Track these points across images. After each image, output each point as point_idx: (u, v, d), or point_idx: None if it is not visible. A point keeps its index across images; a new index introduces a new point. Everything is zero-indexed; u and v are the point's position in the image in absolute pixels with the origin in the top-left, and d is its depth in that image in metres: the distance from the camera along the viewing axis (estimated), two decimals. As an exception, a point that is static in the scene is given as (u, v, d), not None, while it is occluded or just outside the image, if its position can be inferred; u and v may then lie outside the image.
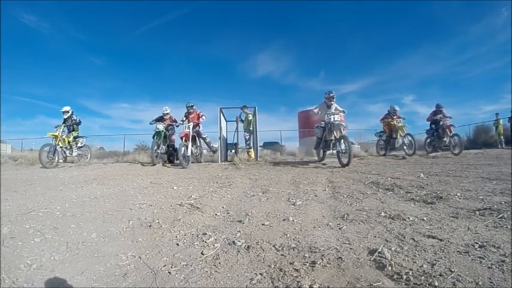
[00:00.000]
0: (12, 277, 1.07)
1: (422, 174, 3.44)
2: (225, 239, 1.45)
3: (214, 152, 7.96)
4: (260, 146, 10.42)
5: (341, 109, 6.20)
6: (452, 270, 0.98)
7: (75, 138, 7.34)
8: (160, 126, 6.81)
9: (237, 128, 8.95)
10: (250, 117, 8.60)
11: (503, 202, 1.84)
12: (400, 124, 7.49)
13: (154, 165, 6.43)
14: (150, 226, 1.69)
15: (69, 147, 7.12)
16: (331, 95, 6.10)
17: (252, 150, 8.31)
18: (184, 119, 7.19)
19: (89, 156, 7.78)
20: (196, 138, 7.27)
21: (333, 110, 6.07)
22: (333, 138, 5.88)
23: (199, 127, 7.43)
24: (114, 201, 2.37)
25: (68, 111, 7.28)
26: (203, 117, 7.48)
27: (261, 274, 1.07)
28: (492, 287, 0.89)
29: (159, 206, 2.19)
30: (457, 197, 2.13)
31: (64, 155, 7.01)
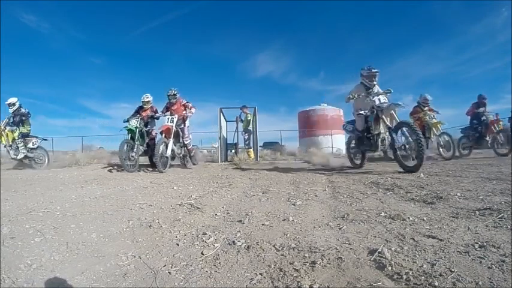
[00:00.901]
0: (12, 277, 1.07)
1: (422, 174, 3.43)
2: (225, 239, 1.45)
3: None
4: (260, 146, 10.45)
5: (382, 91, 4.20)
6: (452, 270, 0.98)
7: (24, 136, 5.90)
8: (134, 122, 5.21)
9: (237, 128, 8.98)
10: (250, 117, 8.62)
11: (503, 202, 1.84)
12: (434, 120, 5.99)
13: (132, 172, 4.91)
14: (150, 226, 1.69)
15: (14, 146, 5.66)
16: (373, 71, 4.21)
17: (251, 150, 8.31)
18: (165, 111, 5.66)
19: (45, 161, 6.20)
20: (180, 135, 5.66)
21: (375, 91, 4.20)
22: (382, 130, 4.02)
23: (184, 124, 5.72)
24: (114, 201, 2.37)
25: (14, 104, 5.86)
26: (192, 109, 5.72)
27: (261, 274, 1.07)
28: (492, 287, 0.89)
29: (159, 206, 2.19)
30: (457, 197, 2.13)
31: (9, 156, 5.65)
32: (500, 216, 1.56)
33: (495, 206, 1.75)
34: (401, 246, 1.23)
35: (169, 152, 5.19)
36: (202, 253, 1.29)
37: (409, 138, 3.60)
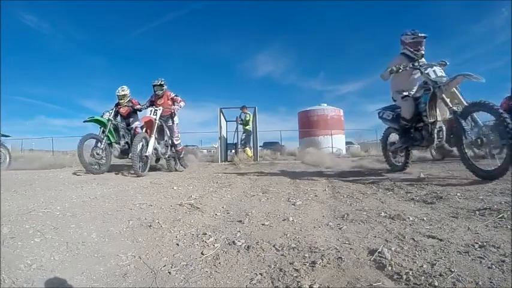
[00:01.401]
0: (12, 277, 1.07)
1: (422, 174, 3.43)
2: (225, 239, 1.45)
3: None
4: (260, 146, 10.48)
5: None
6: (452, 270, 0.98)
7: None
8: (107, 115, 4.48)
9: (237, 128, 9.02)
10: (248, 117, 8.69)
11: (503, 202, 1.84)
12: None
13: (99, 174, 4.17)
14: (150, 226, 1.69)
15: None
16: (420, 35, 3.20)
17: (247, 149, 8.36)
18: (148, 105, 4.91)
19: (6, 161, 5.63)
20: (166, 132, 4.89)
21: (424, 62, 3.11)
22: (439, 117, 2.90)
23: (172, 120, 5.04)
24: (114, 201, 2.37)
25: None
26: (181, 102, 4.99)
27: (261, 274, 1.07)
28: (492, 287, 0.89)
29: (159, 206, 2.19)
30: (457, 197, 2.13)
31: None
32: (500, 216, 1.56)
33: (495, 206, 1.75)
34: (401, 246, 1.23)
35: (150, 151, 4.30)
36: (202, 253, 1.29)
37: (484, 128, 2.48)
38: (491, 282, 0.91)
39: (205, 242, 1.43)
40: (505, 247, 1.15)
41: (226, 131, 9.32)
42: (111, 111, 4.57)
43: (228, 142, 9.28)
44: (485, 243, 1.19)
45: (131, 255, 1.29)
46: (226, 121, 9.29)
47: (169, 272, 1.12)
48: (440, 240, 1.28)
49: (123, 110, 4.90)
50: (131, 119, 5.00)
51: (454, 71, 2.78)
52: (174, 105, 5.00)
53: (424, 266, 1.04)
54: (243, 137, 8.78)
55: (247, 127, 8.71)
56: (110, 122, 4.45)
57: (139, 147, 4.15)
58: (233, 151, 9.00)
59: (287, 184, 3.29)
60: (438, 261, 1.06)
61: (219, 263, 1.19)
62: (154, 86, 4.91)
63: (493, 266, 1.01)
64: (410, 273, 0.98)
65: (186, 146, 13.97)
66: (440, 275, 0.96)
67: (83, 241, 1.44)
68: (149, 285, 1.04)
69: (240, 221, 1.76)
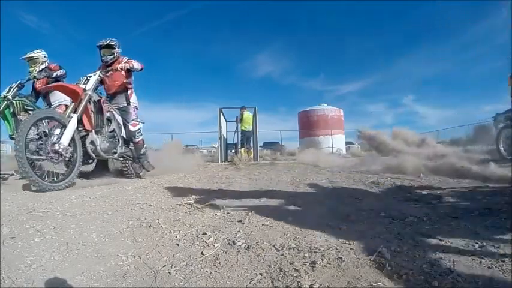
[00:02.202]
0: (12, 277, 1.07)
1: (422, 174, 3.44)
2: (225, 239, 1.45)
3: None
4: (260, 146, 10.50)
5: None
6: (452, 270, 0.98)
7: None
8: (6, 90, 2.91)
9: (237, 128, 9.02)
10: (241, 116, 8.78)
11: (503, 202, 1.84)
12: None
13: None
14: (150, 226, 1.69)
15: None
16: None
17: (242, 149, 8.41)
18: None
19: None
20: (114, 116, 3.15)
21: None
22: None
23: (127, 100, 3.33)
24: (114, 201, 2.36)
25: None
26: (136, 64, 3.17)
27: (261, 274, 1.07)
28: (492, 287, 0.88)
29: (159, 206, 2.19)
30: (457, 197, 2.13)
31: None
32: (500, 216, 1.56)
33: (495, 206, 1.75)
34: (401, 246, 1.23)
35: (65, 141, 2.49)
36: (202, 253, 1.29)
37: None
38: (491, 282, 0.91)
39: (205, 242, 1.43)
40: (505, 247, 1.15)
41: (226, 131, 9.32)
42: (13, 85, 2.87)
43: (228, 142, 9.29)
44: (485, 243, 1.20)
45: (131, 255, 1.29)
46: (226, 121, 9.29)
47: (169, 272, 1.12)
48: (440, 240, 1.28)
49: (38, 84, 3.23)
50: (52, 96, 3.29)
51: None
52: (128, 71, 3.22)
53: (424, 266, 1.04)
54: (241, 136, 8.85)
55: (242, 127, 8.77)
56: (4, 101, 2.73)
57: (55, 136, 2.42)
58: (233, 151, 9.03)
59: (287, 184, 3.29)
60: (438, 261, 1.06)
61: (219, 263, 1.19)
62: (100, 48, 3.13)
63: (493, 266, 1.01)
64: (410, 273, 0.98)
65: (186, 146, 13.98)
66: (440, 275, 0.96)
67: (83, 241, 1.44)
68: (149, 285, 1.04)
69: (240, 221, 1.76)
